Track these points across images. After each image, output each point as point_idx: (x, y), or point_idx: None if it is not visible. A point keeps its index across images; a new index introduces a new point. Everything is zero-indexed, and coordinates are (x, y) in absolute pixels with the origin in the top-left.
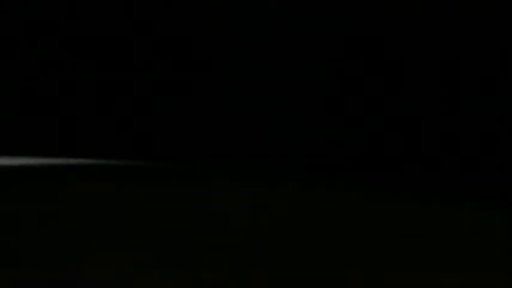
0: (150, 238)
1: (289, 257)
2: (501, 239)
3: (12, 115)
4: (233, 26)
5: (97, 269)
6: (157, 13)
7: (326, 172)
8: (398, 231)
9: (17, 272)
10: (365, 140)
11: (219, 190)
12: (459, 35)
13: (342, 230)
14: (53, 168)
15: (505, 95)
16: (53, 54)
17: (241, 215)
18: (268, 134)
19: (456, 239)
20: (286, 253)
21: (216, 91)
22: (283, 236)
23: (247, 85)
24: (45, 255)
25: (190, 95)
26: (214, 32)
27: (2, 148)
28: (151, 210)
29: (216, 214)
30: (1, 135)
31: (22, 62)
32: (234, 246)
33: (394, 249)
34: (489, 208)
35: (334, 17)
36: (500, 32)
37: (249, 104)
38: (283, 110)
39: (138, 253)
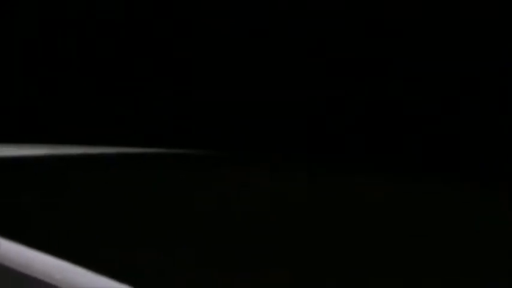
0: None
1: (309, 252)
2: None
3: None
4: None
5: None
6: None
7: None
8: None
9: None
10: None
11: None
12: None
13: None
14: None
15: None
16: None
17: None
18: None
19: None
20: (307, 251)
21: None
22: (302, 231)
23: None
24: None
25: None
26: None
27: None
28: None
29: (231, 213)
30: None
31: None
32: (250, 246)
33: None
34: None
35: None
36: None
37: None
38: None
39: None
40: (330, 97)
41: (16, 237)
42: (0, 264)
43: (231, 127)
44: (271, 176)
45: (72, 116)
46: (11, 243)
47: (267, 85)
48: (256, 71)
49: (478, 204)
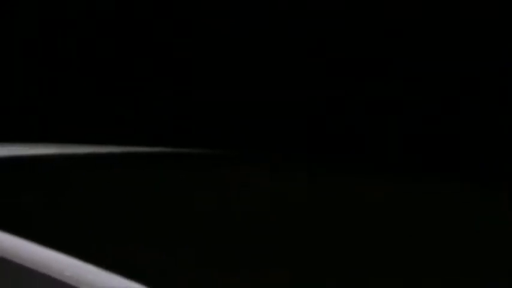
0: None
1: (310, 253)
2: None
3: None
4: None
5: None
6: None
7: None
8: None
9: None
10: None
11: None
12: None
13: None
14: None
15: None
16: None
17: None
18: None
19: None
20: (307, 251)
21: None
22: (303, 232)
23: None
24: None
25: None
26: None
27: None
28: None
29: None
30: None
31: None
32: (250, 245)
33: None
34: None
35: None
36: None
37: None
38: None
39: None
40: (330, 97)
41: (25, 235)
42: (12, 262)
43: (231, 127)
44: (271, 176)
45: (72, 115)
46: (21, 240)
47: (267, 85)
48: (256, 71)
49: (478, 204)
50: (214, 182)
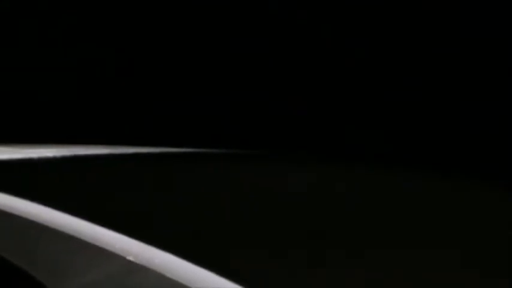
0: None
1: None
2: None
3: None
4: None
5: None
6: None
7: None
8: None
9: None
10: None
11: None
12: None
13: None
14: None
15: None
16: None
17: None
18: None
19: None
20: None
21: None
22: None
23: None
24: None
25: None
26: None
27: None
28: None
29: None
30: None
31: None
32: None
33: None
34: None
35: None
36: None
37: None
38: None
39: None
40: (331, 96)
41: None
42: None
43: (232, 126)
44: (273, 174)
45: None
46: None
47: (269, 85)
48: (259, 71)
49: (478, 204)
50: (212, 180)
